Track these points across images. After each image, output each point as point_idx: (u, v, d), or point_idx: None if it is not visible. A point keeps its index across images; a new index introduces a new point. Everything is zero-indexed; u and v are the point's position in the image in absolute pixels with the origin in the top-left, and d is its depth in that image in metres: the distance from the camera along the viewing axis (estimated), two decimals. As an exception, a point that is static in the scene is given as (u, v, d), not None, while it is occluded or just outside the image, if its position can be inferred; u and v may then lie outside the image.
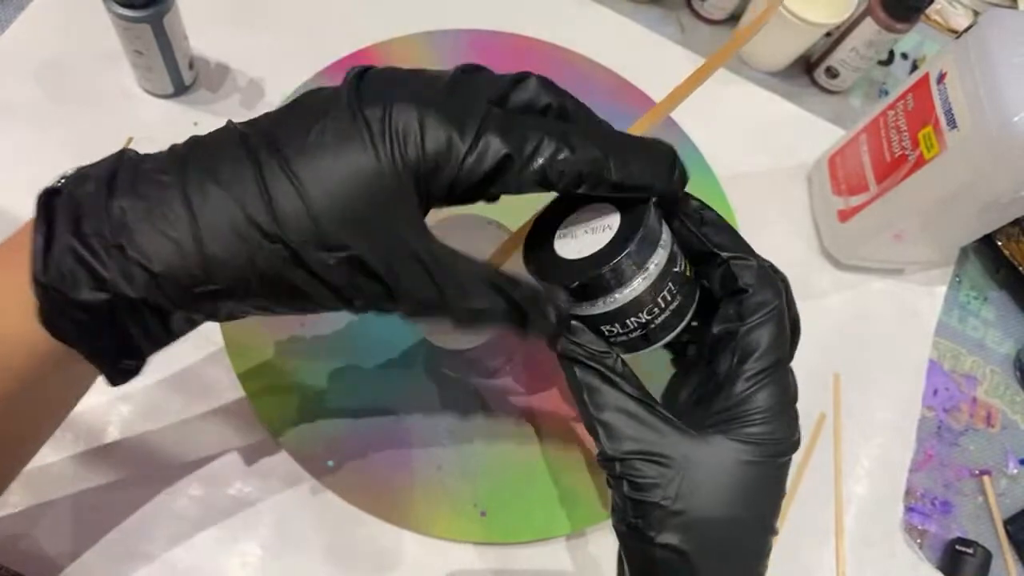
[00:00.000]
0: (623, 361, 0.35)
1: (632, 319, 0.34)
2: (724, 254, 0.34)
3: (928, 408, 0.58)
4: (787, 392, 0.34)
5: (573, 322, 0.35)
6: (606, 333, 0.35)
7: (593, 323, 0.35)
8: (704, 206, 0.36)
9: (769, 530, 0.34)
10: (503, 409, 0.50)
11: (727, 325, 0.34)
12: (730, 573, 0.33)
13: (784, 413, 0.33)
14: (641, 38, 0.67)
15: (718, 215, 0.36)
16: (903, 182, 0.52)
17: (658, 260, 0.33)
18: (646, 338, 0.35)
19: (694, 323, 0.35)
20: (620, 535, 0.34)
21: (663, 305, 0.34)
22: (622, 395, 0.33)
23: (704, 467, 0.32)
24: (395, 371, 0.49)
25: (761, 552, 0.34)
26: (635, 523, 0.33)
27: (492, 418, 0.49)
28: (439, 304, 0.30)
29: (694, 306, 0.35)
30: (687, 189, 0.35)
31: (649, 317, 0.34)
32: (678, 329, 0.35)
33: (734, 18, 0.70)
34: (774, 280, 0.34)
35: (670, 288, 0.34)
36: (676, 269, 0.34)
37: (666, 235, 0.34)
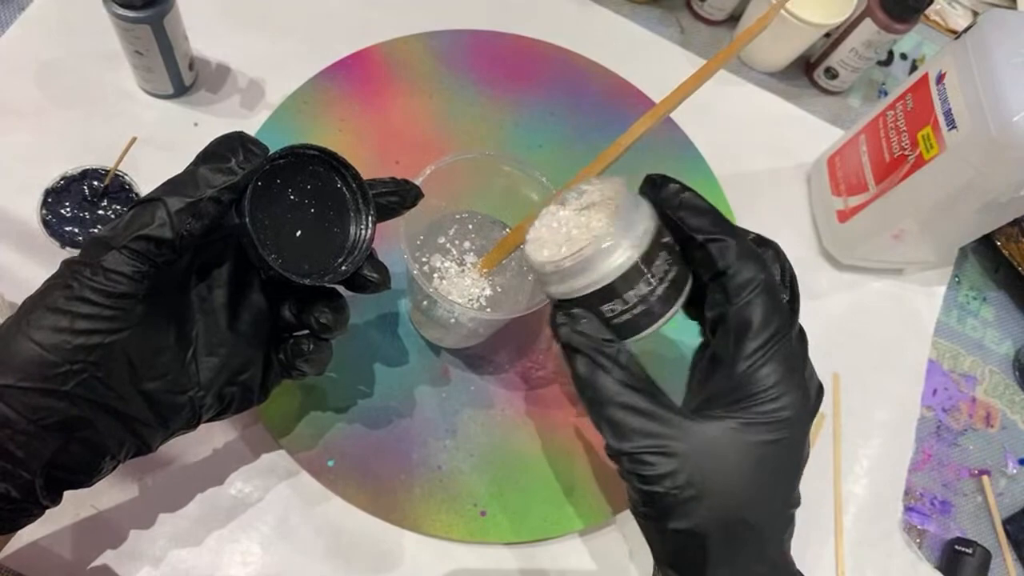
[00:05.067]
0: (625, 350, 0.34)
1: (631, 292, 0.33)
2: (700, 237, 0.34)
3: (927, 408, 0.58)
4: (792, 362, 0.33)
5: (575, 309, 0.34)
6: (608, 313, 0.34)
7: (592, 304, 0.34)
8: (684, 188, 0.35)
9: (788, 504, 0.33)
10: (503, 408, 0.50)
11: (718, 309, 0.34)
12: (747, 552, 0.32)
13: (793, 384, 0.32)
14: (641, 39, 0.67)
15: (696, 196, 0.35)
16: (902, 182, 0.52)
17: (646, 227, 0.33)
18: (649, 313, 0.34)
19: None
20: (638, 522, 0.35)
21: (660, 276, 0.33)
22: (625, 388, 0.33)
23: (713, 453, 0.32)
24: (395, 371, 0.49)
25: (780, 526, 0.33)
26: (647, 512, 0.33)
27: (492, 418, 0.49)
28: None
29: (690, 280, 0.35)
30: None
31: (648, 289, 0.33)
32: (679, 302, 0.34)
33: (733, 19, 0.70)
34: (756, 255, 0.34)
35: (664, 257, 0.33)
36: (665, 239, 0.34)
37: (649, 205, 0.34)
